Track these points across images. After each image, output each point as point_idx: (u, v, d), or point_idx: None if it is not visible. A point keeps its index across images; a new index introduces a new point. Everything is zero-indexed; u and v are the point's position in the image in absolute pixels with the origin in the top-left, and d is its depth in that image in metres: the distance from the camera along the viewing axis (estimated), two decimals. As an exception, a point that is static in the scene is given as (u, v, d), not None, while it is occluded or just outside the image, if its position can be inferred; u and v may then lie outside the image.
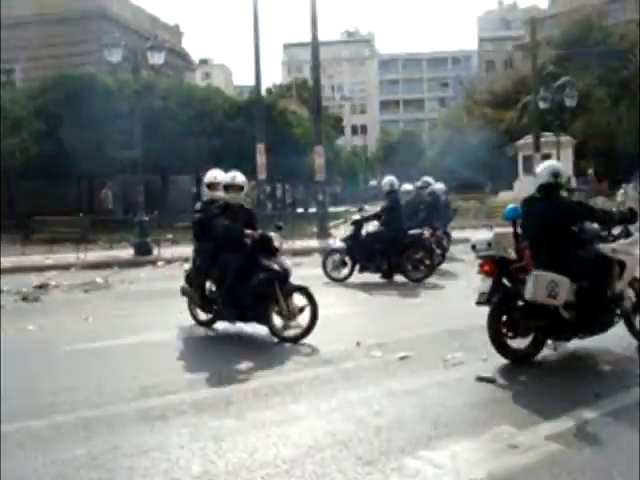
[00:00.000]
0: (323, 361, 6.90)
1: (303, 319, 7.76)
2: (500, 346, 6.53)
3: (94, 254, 18.78)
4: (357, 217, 13.61)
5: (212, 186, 8.90)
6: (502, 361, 6.49)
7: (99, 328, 9.13)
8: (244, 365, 6.82)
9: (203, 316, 8.69)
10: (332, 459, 4.34)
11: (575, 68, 45.90)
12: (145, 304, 11.25)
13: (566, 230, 6.81)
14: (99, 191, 33.53)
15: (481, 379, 5.98)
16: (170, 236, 22.92)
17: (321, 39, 23.51)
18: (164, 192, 34.26)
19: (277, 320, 7.85)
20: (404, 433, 4.77)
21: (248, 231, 8.16)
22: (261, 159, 22.78)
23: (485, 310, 6.53)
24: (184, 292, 8.89)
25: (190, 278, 8.74)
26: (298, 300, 7.85)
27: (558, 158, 28.92)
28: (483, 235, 7.59)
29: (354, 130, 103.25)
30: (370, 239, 12.98)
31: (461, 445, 4.52)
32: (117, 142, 26.32)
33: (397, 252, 12.67)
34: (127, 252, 19.17)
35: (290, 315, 7.78)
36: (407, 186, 15.53)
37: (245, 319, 8.09)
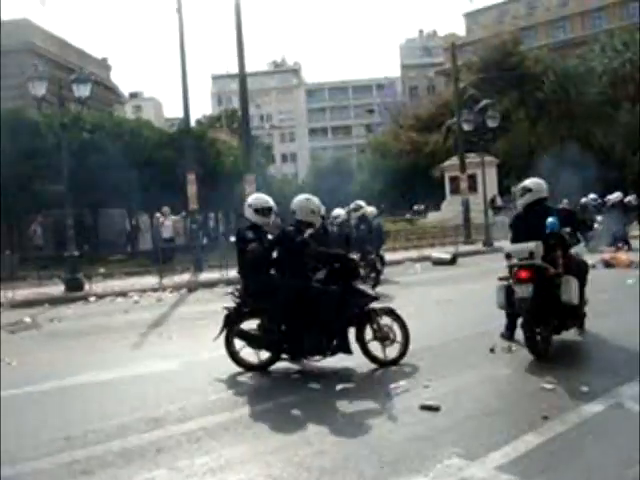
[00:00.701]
0: (260, 396, 6.55)
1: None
2: (534, 344, 7.39)
3: (23, 292, 18.00)
4: None
5: (264, 211, 7.95)
6: (445, 387, 6.40)
7: (22, 373, 8.50)
8: (176, 406, 6.34)
9: (254, 358, 7.69)
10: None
11: (494, 91, 47.55)
12: (72, 344, 10.59)
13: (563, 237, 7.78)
14: (28, 227, 32.94)
15: (425, 407, 5.77)
16: (102, 270, 22.69)
17: (249, 70, 23.78)
18: (95, 226, 33.89)
19: (373, 345, 7.51)
20: (349, 475, 4.50)
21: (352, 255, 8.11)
22: (192, 189, 22.77)
23: (429, 328, 6.83)
24: (244, 335, 7.65)
25: (235, 317, 7.67)
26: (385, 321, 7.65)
27: (483, 178, 29.93)
28: (522, 246, 7.75)
29: (284, 158, 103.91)
30: None
31: None
32: (45, 177, 25.99)
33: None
34: (58, 289, 18.46)
35: (384, 337, 7.53)
36: (338, 211, 15.44)
37: (327, 352, 7.43)
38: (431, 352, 8.09)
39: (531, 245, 7.63)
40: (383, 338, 7.51)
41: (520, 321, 7.75)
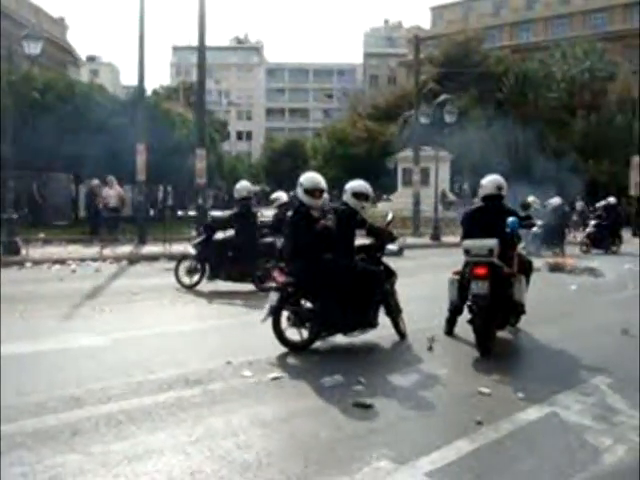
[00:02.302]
0: (188, 382, 6.25)
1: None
2: (485, 340, 7.57)
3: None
4: (207, 222, 13.12)
5: (314, 192, 7.86)
6: (380, 385, 6.25)
7: None
8: (98, 385, 6.03)
9: (297, 337, 7.66)
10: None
11: (454, 87, 47.69)
12: (22, 308, 10.01)
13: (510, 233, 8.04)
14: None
15: (358, 405, 5.59)
16: (42, 235, 22.05)
17: (210, 44, 23.38)
18: (39, 190, 32.91)
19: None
20: (272, 471, 4.29)
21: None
22: (141, 160, 22.19)
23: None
24: (294, 314, 7.67)
25: (285, 297, 7.60)
26: None
27: (436, 172, 29.96)
28: (481, 242, 7.88)
29: (239, 136, 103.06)
30: (220, 245, 12.43)
31: None
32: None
33: (247, 260, 12.20)
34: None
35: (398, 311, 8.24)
36: (280, 194, 14.51)
37: (358, 327, 7.76)
38: (367, 346, 7.93)
39: (491, 242, 7.80)
40: (397, 312, 8.21)
41: (469, 317, 7.92)
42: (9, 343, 7.64)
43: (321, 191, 7.97)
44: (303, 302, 7.75)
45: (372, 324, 7.86)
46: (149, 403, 5.63)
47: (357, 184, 8.25)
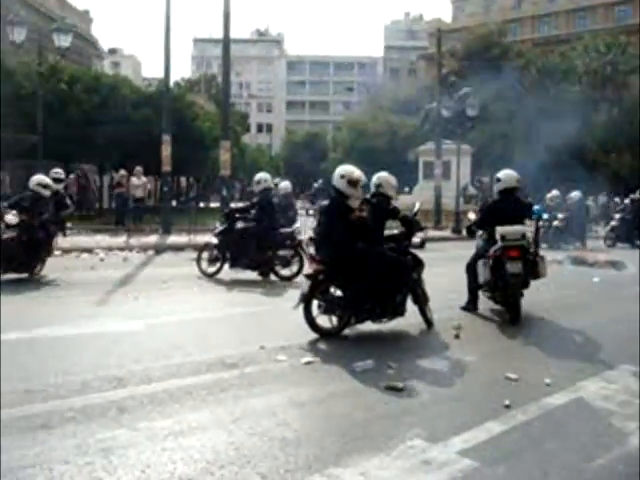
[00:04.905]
0: (225, 365, 6.47)
1: None
2: (518, 309, 8.89)
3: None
4: (227, 210, 13.44)
5: (357, 183, 8.08)
6: (410, 370, 6.45)
7: None
8: (139, 367, 6.29)
9: (328, 324, 7.90)
10: (234, 476, 4.03)
11: (475, 80, 47.59)
12: (36, 296, 10.28)
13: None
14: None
15: (390, 388, 5.78)
16: (69, 225, 22.37)
17: (232, 36, 23.52)
18: (79, 181, 33.28)
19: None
20: (311, 448, 4.49)
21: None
22: (166, 151, 22.48)
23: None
24: (326, 301, 7.88)
25: (316, 284, 7.81)
26: None
27: (458, 165, 30.03)
28: (514, 228, 9.07)
29: (260, 128, 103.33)
30: (240, 234, 12.64)
31: (371, 462, 4.28)
32: (18, 125, 25.55)
33: (267, 249, 12.52)
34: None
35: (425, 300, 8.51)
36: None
37: (387, 315, 8.03)
38: (396, 334, 8.14)
39: (523, 228, 9.13)
40: (427, 300, 8.52)
41: (488, 294, 9.53)
42: (51, 326, 7.97)
43: (361, 183, 8.23)
44: (332, 290, 7.95)
45: (400, 312, 8.07)
46: (189, 384, 5.85)
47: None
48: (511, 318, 8.88)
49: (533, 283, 9.47)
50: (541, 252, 9.96)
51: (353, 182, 8.01)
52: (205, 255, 13.03)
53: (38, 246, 12.01)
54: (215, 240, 12.91)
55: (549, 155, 35.43)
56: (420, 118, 48.33)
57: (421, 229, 9.13)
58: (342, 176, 8.09)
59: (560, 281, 12.38)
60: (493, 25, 60.50)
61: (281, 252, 12.58)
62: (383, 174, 8.83)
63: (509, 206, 9.33)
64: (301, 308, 7.74)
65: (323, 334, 7.75)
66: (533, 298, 9.69)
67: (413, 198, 36.66)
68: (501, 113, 46.05)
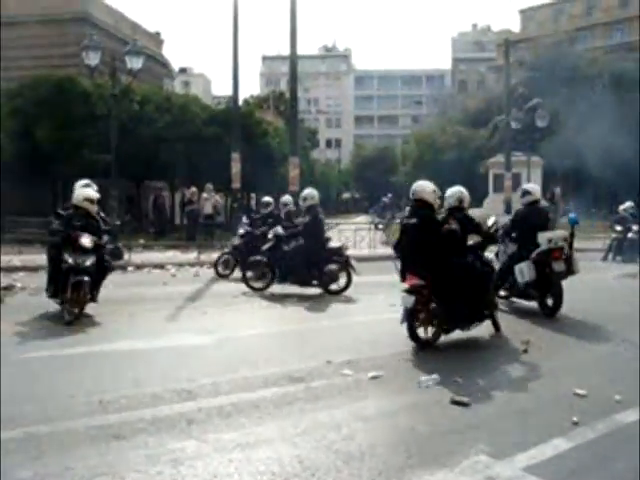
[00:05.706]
0: (292, 379, 6.56)
1: None
2: (561, 301, 10.04)
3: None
4: (279, 231, 13.20)
5: (441, 198, 8.96)
6: (475, 384, 6.41)
7: (63, 334, 8.69)
8: (208, 380, 6.44)
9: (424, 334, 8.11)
10: (299, 488, 4.04)
11: (545, 91, 46.79)
12: (110, 312, 10.15)
13: None
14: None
15: (455, 402, 5.78)
16: (142, 241, 23.09)
17: (299, 53, 23.83)
18: (138, 198, 34.26)
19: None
20: (375, 462, 4.51)
21: None
22: (236, 168, 22.86)
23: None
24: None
25: (421, 299, 7.92)
26: None
27: (528, 178, 29.60)
28: (556, 234, 10.41)
29: (328, 143, 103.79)
30: (289, 251, 12.71)
31: (435, 477, 4.29)
32: (93, 145, 26.39)
33: (316, 264, 12.62)
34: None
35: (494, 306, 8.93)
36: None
37: (474, 322, 8.40)
38: (466, 343, 8.29)
39: (565, 233, 10.43)
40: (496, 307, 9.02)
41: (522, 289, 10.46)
42: (122, 340, 8.24)
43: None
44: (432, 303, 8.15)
45: (480, 319, 8.48)
46: (256, 397, 5.96)
47: (464, 190, 9.33)
48: (554, 307, 10.06)
49: (607, 296, 9.55)
50: (615, 264, 10.21)
51: (442, 197, 8.62)
52: (252, 271, 13.29)
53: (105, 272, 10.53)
54: (263, 258, 12.93)
55: (621, 165, 34.52)
56: (489, 130, 47.92)
57: (496, 242, 10.05)
58: (433, 190, 8.41)
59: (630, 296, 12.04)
60: (562, 34, 59.45)
61: (329, 267, 12.66)
62: (462, 189, 9.38)
63: (535, 215, 10.74)
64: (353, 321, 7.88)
65: (423, 345, 7.94)
66: (602, 310, 9.62)
67: (483, 211, 36.30)
68: (572, 123, 45.12)
